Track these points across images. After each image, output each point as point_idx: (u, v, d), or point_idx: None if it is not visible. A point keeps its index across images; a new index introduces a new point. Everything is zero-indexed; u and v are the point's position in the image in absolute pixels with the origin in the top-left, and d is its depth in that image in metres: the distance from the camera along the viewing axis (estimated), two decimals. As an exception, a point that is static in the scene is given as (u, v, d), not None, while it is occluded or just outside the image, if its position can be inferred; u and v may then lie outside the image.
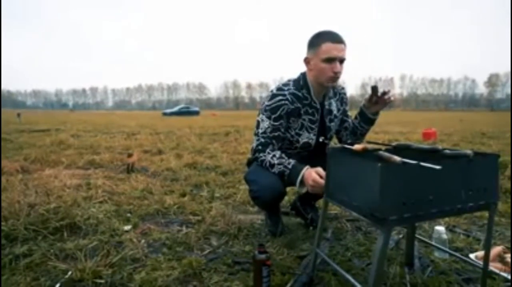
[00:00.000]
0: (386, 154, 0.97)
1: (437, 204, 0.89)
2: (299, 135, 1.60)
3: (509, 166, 3.10)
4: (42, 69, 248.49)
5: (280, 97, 1.52)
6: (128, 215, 1.90)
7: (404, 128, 10.38)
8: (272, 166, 1.48)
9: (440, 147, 1.07)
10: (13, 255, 1.35)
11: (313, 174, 1.34)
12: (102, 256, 1.33)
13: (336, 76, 1.45)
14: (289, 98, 1.52)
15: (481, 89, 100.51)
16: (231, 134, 7.61)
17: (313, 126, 1.61)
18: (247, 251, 1.45)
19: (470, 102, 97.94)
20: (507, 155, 4.17)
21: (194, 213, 1.99)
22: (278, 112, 1.51)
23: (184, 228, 1.75)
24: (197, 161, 3.51)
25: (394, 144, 1.22)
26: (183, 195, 2.43)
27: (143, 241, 1.54)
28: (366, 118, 1.66)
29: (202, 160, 3.64)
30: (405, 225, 1.22)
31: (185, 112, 32.95)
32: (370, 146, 1.12)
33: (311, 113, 1.59)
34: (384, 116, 28.84)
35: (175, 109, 34.55)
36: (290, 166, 1.44)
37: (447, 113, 51.96)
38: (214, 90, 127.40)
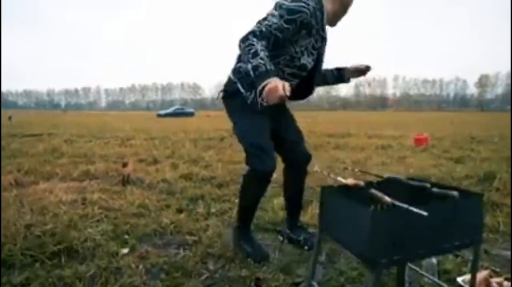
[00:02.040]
0: (378, 194, 1.01)
1: (425, 245, 0.94)
2: (302, 54, 1.56)
3: (497, 176, 3.18)
4: (32, 69, 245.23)
5: (303, 4, 1.43)
6: (126, 236, 1.92)
7: (396, 132, 10.51)
8: (255, 55, 1.32)
9: (428, 184, 1.11)
10: (10, 285, 1.36)
11: (279, 83, 1.25)
12: (101, 285, 1.36)
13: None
14: (311, 10, 1.44)
15: (472, 89, 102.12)
16: (225, 139, 7.63)
17: (313, 52, 1.62)
18: (243, 276, 1.49)
19: (461, 102, 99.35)
20: (494, 162, 4.28)
21: (191, 232, 2.02)
22: (294, 17, 1.42)
23: (181, 250, 1.77)
24: (192, 172, 3.53)
25: (385, 176, 1.26)
26: (180, 210, 2.45)
27: (141, 266, 1.56)
28: (340, 78, 1.90)
29: (197, 171, 3.66)
30: (394, 266, 1.26)
31: (180, 114, 32.87)
32: (362, 183, 1.16)
33: (316, 39, 1.58)
34: (377, 117, 29.33)
35: (170, 110, 34.50)
36: (269, 68, 1.31)
37: (439, 113, 52.71)
38: (208, 90, 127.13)
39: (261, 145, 1.61)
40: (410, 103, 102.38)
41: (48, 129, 11.97)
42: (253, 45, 1.36)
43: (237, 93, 1.64)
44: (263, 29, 1.40)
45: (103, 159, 4.70)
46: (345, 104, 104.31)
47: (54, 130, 10.82)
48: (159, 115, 32.00)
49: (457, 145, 6.38)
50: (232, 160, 4.42)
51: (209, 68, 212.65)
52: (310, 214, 2.28)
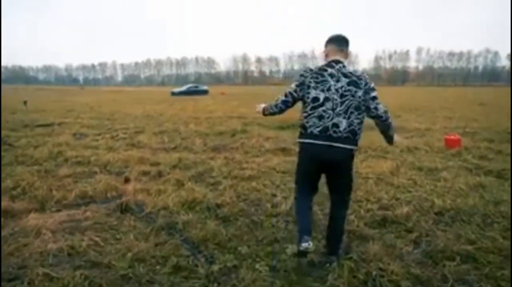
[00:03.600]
0: None
1: None
2: None
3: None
4: (51, 44, 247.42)
5: None
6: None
7: (420, 122, 9.75)
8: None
9: None
10: None
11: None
12: None
13: None
14: None
15: (504, 62, 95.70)
16: (237, 134, 7.22)
17: None
18: None
19: (490, 75, 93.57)
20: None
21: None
22: None
23: None
24: (196, 198, 3.17)
25: None
26: (177, 267, 2.12)
27: None
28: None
29: (203, 194, 3.30)
30: None
31: (194, 92, 32.40)
32: None
33: None
34: (396, 94, 28.04)
35: (184, 88, 33.93)
36: None
37: (465, 89, 49.86)
38: (223, 64, 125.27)
39: None
40: (434, 77, 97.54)
41: (62, 115, 11.93)
42: None
43: None
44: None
45: (105, 168, 4.41)
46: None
47: (66, 118, 10.71)
48: (173, 94, 31.63)
49: (494, 148, 5.69)
50: (242, 175, 4.03)
51: (223, 42, 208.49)
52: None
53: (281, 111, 2.26)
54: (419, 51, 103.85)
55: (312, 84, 2.06)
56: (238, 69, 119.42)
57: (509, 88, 31.71)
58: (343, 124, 2.00)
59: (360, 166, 4.49)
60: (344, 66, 2.07)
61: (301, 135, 2.11)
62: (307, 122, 2.06)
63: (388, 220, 2.76)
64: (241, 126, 8.28)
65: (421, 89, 54.62)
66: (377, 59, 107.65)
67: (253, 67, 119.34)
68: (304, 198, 2.25)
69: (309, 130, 2.04)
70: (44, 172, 4.21)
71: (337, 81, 2.03)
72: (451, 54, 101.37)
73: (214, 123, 9.33)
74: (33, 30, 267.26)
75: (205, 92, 33.54)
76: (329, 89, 2.02)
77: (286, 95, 2.19)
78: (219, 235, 2.52)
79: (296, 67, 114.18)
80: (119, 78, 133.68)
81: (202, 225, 2.68)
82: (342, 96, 2.01)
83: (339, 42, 2.15)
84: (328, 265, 2.11)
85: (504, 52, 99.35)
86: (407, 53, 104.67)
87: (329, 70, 2.07)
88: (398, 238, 2.50)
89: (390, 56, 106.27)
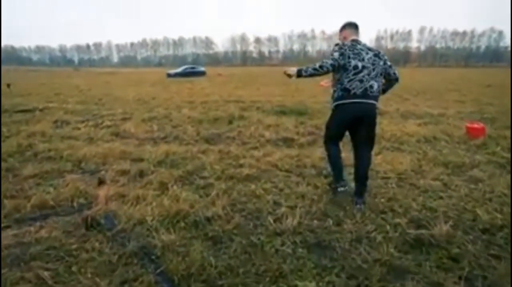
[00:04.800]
0: None
1: None
2: None
3: None
4: (41, 24, 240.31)
5: None
6: None
7: (430, 106, 9.05)
8: None
9: None
10: None
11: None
12: None
13: None
14: None
15: (507, 42, 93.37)
16: (234, 121, 6.55)
17: None
18: None
19: (493, 56, 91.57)
20: None
21: None
22: None
23: None
24: (181, 210, 2.55)
25: None
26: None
27: None
28: None
29: (189, 203, 2.69)
30: None
31: (191, 73, 31.28)
32: None
33: None
34: (400, 76, 27.68)
35: (180, 70, 32.66)
36: None
37: (467, 70, 48.70)
38: (221, 45, 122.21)
39: None
40: (435, 57, 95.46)
41: (48, 99, 11.17)
42: None
43: None
44: None
45: (79, 165, 3.78)
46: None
47: (52, 103, 9.98)
48: (169, 76, 30.50)
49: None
50: (239, 174, 3.40)
51: (222, 22, 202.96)
52: None
53: (326, 72, 2.59)
54: (422, 30, 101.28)
55: (352, 55, 2.55)
56: (236, 50, 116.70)
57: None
58: (375, 86, 2.58)
59: (376, 160, 3.87)
60: (365, 44, 2.67)
61: (343, 97, 2.59)
62: (350, 85, 2.54)
63: (425, 242, 2.16)
64: (238, 112, 7.58)
65: (423, 70, 53.29)
66: (378, 38, 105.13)
67: (251, 48, 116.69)
68: (337, 149, 2.82)
69: (352, 92, 2.55)
70: (5, 170, 3.58)
71: (367, 53, 2.58)
72: (454, 34, 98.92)
73: (209, 108, 8.62)
74: (24, 8, 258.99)
75: (202, 73, 32.40)
76: (363, 59, 2.55)
77: (331, 61, 2.54)
78: (207, 268, 1.92)
79: (295, 47, 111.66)
80: (115, 59, 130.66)
81: (186, 250, 2.08)
82: (372, 64, 2.57)
83: (354, 27, 2.72)
84: (357, 205, 2.64)
85: (508, 31, 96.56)
86: (409, 33, 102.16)
87: (358, 46, 2.62)
88: (442, 269, 1.91)
89: (392, 36, 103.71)
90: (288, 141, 4.91)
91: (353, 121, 2.62)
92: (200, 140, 5.10)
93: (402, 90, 14.10)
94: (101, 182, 3.20)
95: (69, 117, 7.26)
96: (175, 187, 3.04)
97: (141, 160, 3.94)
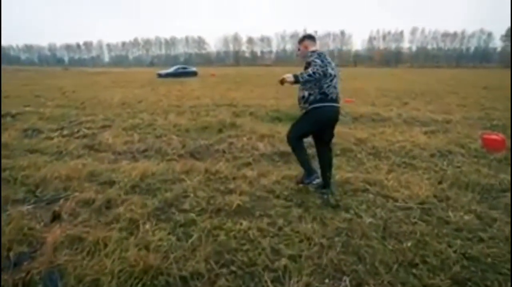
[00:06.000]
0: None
1: None
2: None
3: None
4: (31, 23, 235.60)
5: None
6: None
7: (433, 111, 8.55)
8: None
9: None
10: None
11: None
12: None
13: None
14: None
15: (497, 43, 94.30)
16: (225, 130, 5.93)
17: None
18: None
19: (482, 57, 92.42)
20: None
21: None
22: None
23: None
24: (150, 267, 1.93)
25: None
26: None
27: None
28: None
29: (162, 254, 2.07)
30: None
31: (182, 73, 30.48)
32: None
33: None
34: (393, 77, 27.11)
35: (171, 70, 31.80)
36: None
37: (459, 71, 48.81)
38: (214, 45, 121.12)
39: None
40: (427, 58, 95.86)
41: (25, 102, 10.38)
42: None
43: None
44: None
45: (35, 191, 3.12)
46: (360, 59, 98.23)
47: (29, 107, 9.22)
48: (160, 76, 29.63)
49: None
50: (224, 207, 2.78)
51: (214, 22, 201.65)
52: None
53: (318, 79, 2.73)
54: (413, 31, 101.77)
55: (327, 63, 2.79)
56: (229, 50, 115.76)
57: (503, 70, 30.66)
58: (338, 91, 2.94)
59: (388, 180, 3.31)
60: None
61: (321, 100, 2.83)
62: (328, 90, 2.83)
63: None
64: (230, 118, 6.95)
65: (416, 70, 53.20)
66: (371, 39, 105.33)
67: (244, 48, 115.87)
68: (303, 145, 3.09)
69: (329, 97, 2.84)
70: None
71: (330, 62, 2.85)
72: (445, 35, 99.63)
73: (198, 113, 7.98)
74: (11, 6, 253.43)
75: (193, 74, 31.61)
76: (333, 68, 2.87)
77: (320, 67, 2.70)
78: None
79: (288, 47, 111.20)
80: (106, 59, 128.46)
81: None
82: (337, 72, 2.94)
83: (313, 39, 3.08)
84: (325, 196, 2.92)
85: (497, 33, 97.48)
86: (401, 33, 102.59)
87: (324, 55, 2.87)
88: None
89: (384, 37, 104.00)
90: (285, 156, 4.31)
91: (326, 123, 2.93)
92: (185, 154, 4.47)
93: (400, 93, 13.64)
94: (55, 218, 2.58)
95: (42, 125, 6.55)
96: (147, 226, 2.41)
97: (111, 183, 3.30)
